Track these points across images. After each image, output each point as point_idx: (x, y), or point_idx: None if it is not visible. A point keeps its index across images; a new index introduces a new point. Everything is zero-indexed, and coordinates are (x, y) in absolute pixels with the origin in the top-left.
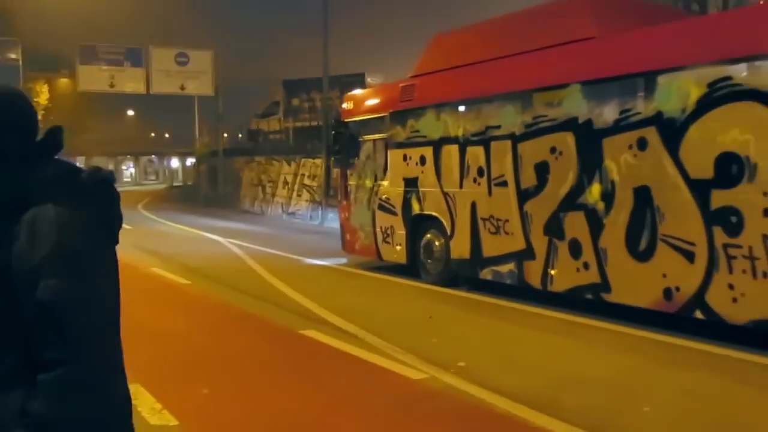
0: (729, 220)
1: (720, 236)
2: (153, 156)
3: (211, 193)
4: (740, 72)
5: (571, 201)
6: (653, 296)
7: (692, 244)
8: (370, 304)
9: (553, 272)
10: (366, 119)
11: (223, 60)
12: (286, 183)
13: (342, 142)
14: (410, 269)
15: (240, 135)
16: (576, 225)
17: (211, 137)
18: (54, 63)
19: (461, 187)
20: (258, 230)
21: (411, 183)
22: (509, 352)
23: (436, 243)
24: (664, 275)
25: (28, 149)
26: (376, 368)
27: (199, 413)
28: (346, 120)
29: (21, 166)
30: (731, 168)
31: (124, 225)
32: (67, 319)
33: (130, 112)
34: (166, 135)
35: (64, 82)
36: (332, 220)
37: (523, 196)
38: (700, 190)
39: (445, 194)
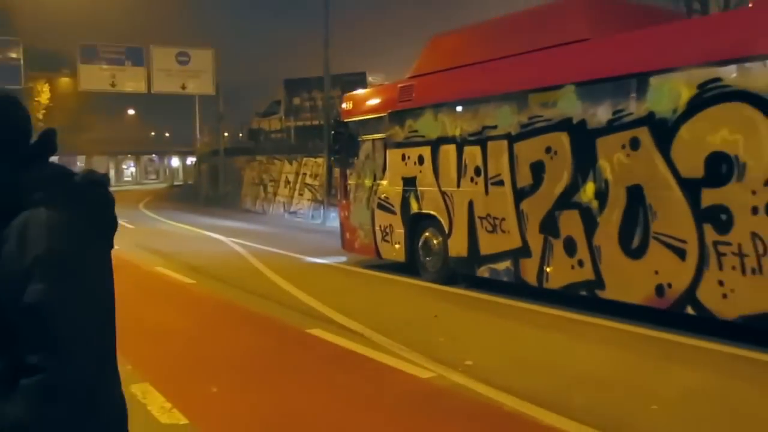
0: (719, 218)
1: (710, 234)
2: (153, 155)
3: (212, 192)
4: (729, 73)
5: (566, 200)
6: (646, 293)
7: (683, 241)
8: (373, 302)
9: (548, 270)
10: (365, 119)
11: (224, 59)
12: (287, 182)
13: (342, 142)
14: (409, 267)
15: (241, 134)
16: (571, 223)
17: (212, 136)
18: (55, 62)
19: (459, 186)
20: (260, 229)
21: (409, 182)
22: (514, 350)
23: (434, 241)
24: (657, 272)
25: (21, 152)
26: (383, 367)
27: (208, 412)
28: (345, 120)
29: (15, 169)
30: (721, 167)
31: (126, 224)
32: (53, 324)
33: (131, 111)
34: (166, 134)
35: (65, 81)
36: (334, 219)
37: (519, 195)
38: (691, 188)
39: (443, 193)
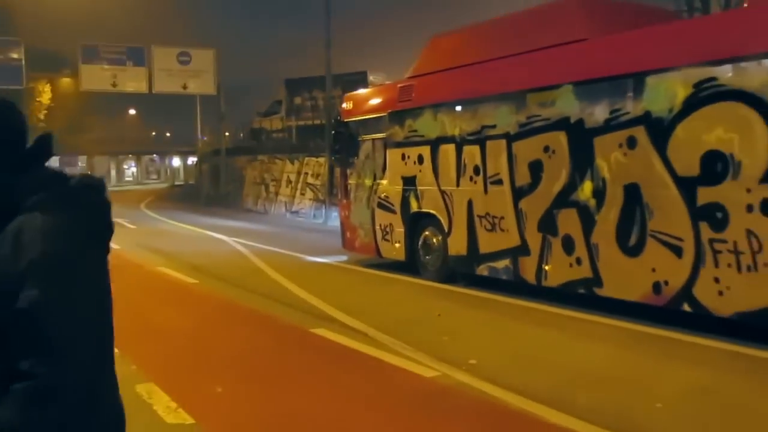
0: (715, 216)
1: (706, 232)
2: (155, 155)
3: (213, 192)
4: (725, 73)
5: (564, 198)
6: (643, 290)
7: (680, 239)
8: (374, 300)
9: (547, 268)
10: (365, 119)
11: (225, 59)
12: (289, 182)
13: (342, 142)
14: (409, 266)
15: (242, 134)
16: (569, 222)
17: (213, 136)
18: (56, 62)
19: (458, 185)
20: (262, 229)
21: (409, 182)
22: (516, 348)
23: (434, 240)
24: (654, 270)
25: (17, 157)
26: (387, 366)
27: (214, 411)
28: (345, 120)
29: (11, 172)
30: (716, 166)
31: (128, 224)
32: (46, 329)
33: (132, 112)
34: (167, 134)
35: (66, 81)
36: (336, 219)
37: (518, 193)
38: (687, 187)
39: (443, 192)
